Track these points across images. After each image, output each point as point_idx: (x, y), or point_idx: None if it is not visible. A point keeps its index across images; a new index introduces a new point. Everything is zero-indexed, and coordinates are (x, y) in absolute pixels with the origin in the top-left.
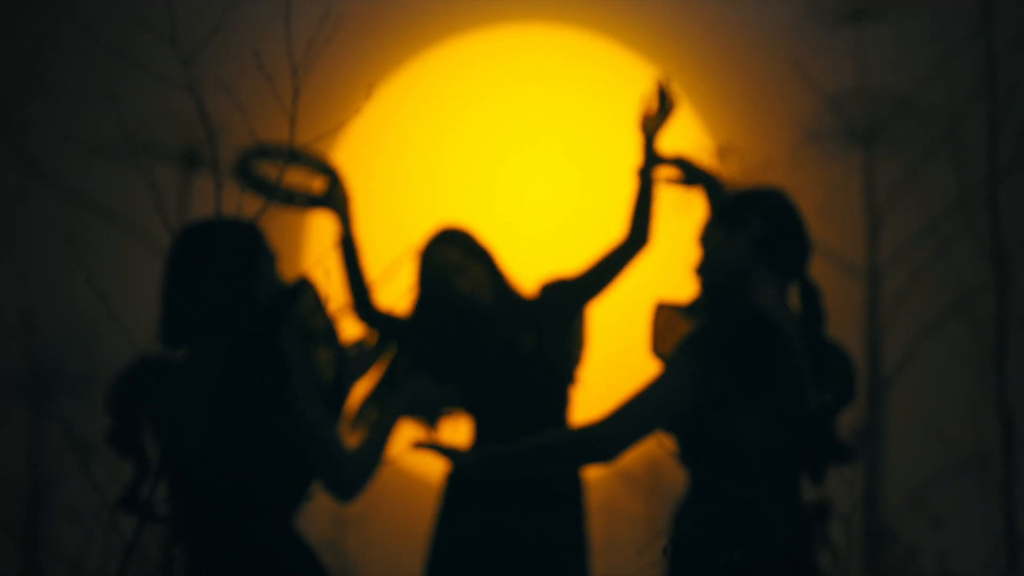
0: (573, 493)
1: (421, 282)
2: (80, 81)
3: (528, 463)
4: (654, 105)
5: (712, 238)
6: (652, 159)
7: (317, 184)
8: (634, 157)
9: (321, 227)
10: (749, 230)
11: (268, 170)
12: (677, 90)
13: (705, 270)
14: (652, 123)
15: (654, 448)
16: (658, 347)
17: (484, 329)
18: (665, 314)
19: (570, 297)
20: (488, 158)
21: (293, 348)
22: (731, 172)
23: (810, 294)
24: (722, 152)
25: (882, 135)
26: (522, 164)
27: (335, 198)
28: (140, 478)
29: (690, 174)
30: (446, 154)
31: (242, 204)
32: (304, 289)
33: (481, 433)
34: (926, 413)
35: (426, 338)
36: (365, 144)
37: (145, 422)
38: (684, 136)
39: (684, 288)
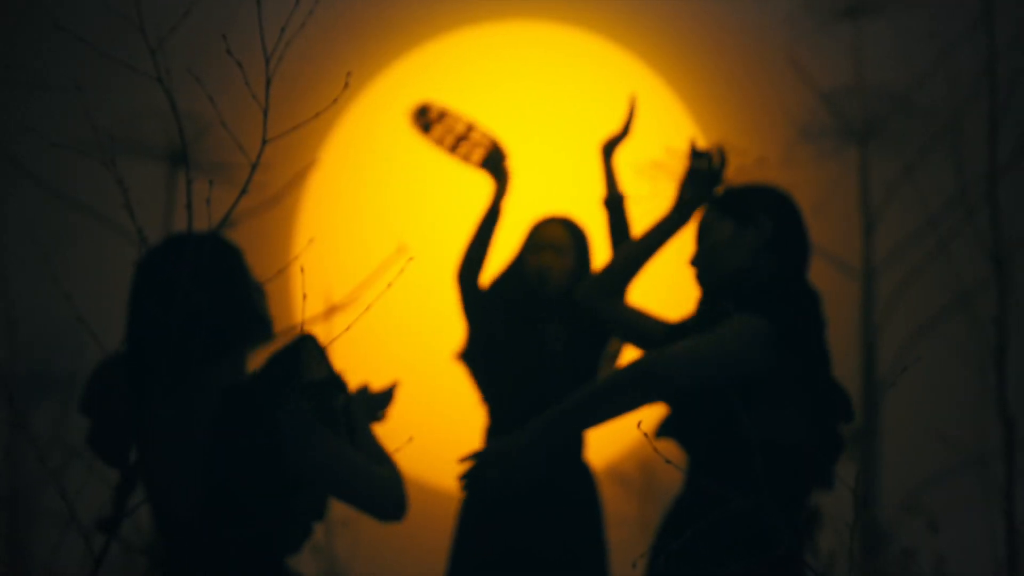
0: (589, 498)
1: (519, 252)
2: (61, 76)
3: (589, 410)
4: (621, 128)
5: (714, 233)
6: (614, 182)
7: (481, 151)
8: (601, 182)
9: (306, 224)
10: (760, 230)
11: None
12: (636, 110)
13: (707, 266)
14: (612, 144)
15: (647, 449)
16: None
17: (527, 316)
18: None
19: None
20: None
21: (298, 412)
22: (726, 171)
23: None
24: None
25: (879, 133)
26: (515, 161)
27: (497, 164)
28: (124, 490)
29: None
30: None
31: (211, 198)
32: (305, 346)
33: (493, 426)
34: (924, 414)
35: (486, 312)
36: (356, 141)
37: (126, 424)
38: (677, 134)
39: (680, 289)
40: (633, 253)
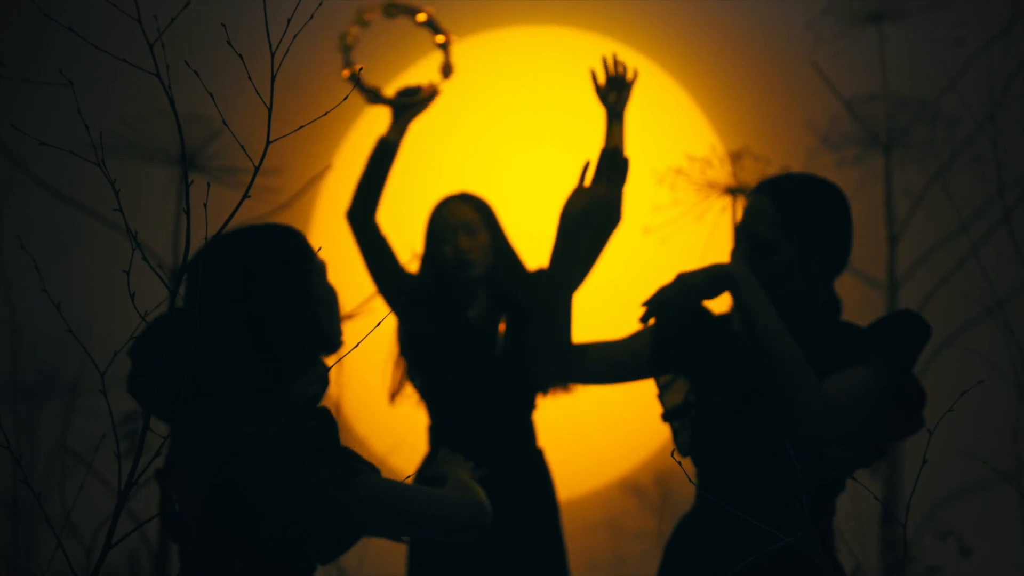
0: (544, 484)
1: (427, 241)
2: (69, 73)
3: (781, 352)
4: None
5: (778, 252)
6: (619, 135)
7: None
8: (604, 138)
9: (318, 231)
10: (825, 262)
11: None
12: (627, 63)
13: (766, 282)
14: (614, 96)
15: (663, 462)
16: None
17: (463, 302)
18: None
19: (552, 286)
20: (496, 162)
21: (326, 472)
22: (747, 178)
23: (835, 307)
24: (736, 157)
25: (903, 141)
26: (530, 168)
27: (406, 106)
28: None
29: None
30: (454, 158)
31: (209, 202)
32: (319, 416)
33: (436, 427)
34: (950, 427)
35: (413, 302)
36: (371, 146)
37: (163, 376)
38: (697, 141)
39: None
40: (558, 319)
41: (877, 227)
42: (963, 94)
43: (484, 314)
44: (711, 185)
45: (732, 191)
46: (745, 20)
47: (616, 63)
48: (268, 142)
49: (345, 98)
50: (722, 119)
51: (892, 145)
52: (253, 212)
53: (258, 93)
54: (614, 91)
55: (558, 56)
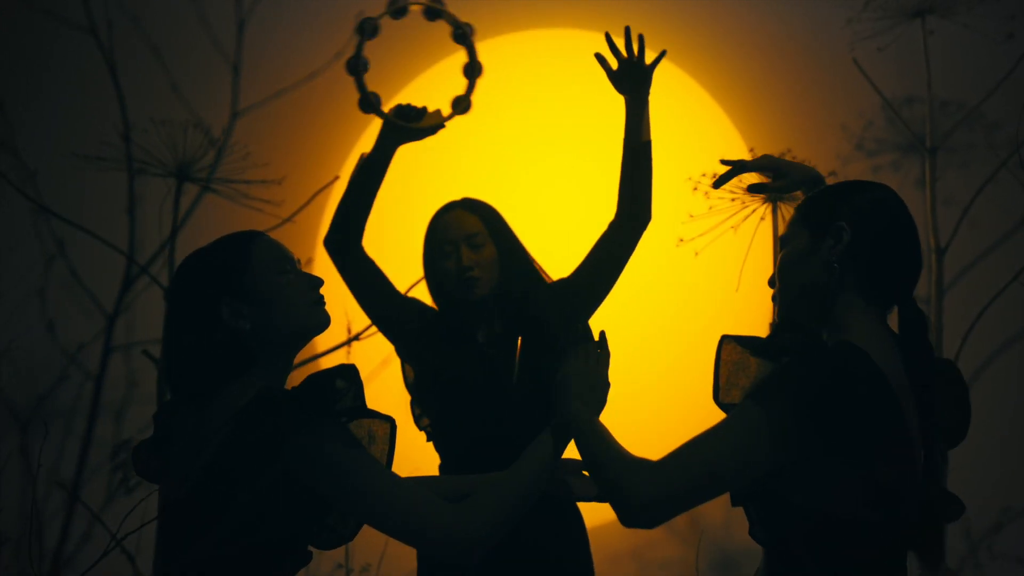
0: (579, 537)
1: (426, 254)
2: (69, 74)
3: (588, 455)
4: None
5: (790, 245)
6: (641, 118)
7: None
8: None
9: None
10: (837, 239)
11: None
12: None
13: (780, 284)
14: (629, 76)
15: None
16: (724, 395)
17: (469, 326)
18: (733, 352)
19: (566, 301)
20: (509, 167)
21: (325, 436)
22: (782, 185)
23: (915, 325)
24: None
25: (948, 145)
26: (545, 173)
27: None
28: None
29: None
30: (466, 163)
31: (169, 197)
32: (343, 373)
33: (447, 466)
34: (1004, 447)
35: (412, 329)
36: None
37: None
38: (728, 146)
39: (746, 311)
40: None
41: (924, 237)
42: (1012, 93)
43: (496, 338)
44: (749, 192)
45: (772, 198)
46: (779, 21)
47: (629, 41)
48: (234, 114)
49: (336, 55)
50: (754, 125)
51: (935, 151)
52: (259, 226)
53: (216, 45)
54: (631, 75)
55: (580, 59)
